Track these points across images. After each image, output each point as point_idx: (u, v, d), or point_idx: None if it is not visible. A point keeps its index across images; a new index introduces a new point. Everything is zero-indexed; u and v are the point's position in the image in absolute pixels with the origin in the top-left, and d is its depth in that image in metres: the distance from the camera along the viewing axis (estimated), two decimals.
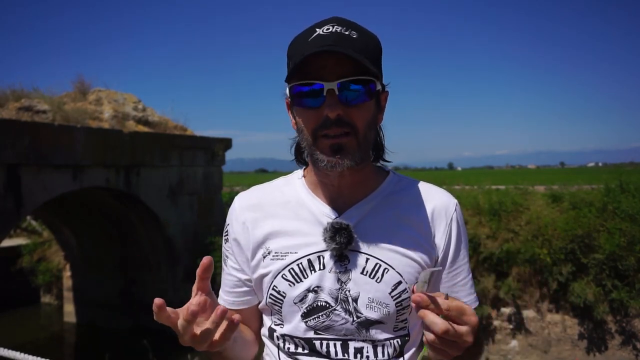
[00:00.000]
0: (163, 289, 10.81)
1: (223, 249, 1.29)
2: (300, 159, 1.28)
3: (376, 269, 1.12)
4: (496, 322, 8.39)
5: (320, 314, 1.13)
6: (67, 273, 12.17)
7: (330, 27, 1.06)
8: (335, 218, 1.15)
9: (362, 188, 1.18)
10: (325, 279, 1.12)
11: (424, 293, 0.88)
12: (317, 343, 1.13)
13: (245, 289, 1.25)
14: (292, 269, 1.14)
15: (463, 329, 0.87)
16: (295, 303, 1.14)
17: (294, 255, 1.14)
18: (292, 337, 1.16)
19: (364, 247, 1.13)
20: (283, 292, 1.15)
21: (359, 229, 1.14)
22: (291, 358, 1.16)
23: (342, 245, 1.10)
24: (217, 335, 0.89)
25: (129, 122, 10.40)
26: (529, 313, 8.26)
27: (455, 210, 1.20)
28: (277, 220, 1.19)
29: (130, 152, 9.37)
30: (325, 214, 1.16)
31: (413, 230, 1.16)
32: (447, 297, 0.88)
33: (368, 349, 1.13)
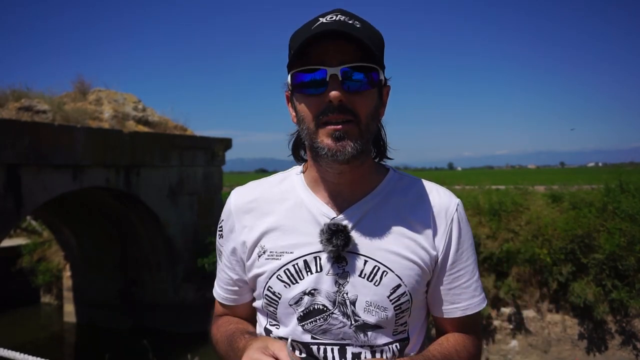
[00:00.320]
0: (163, 289, 10.81)
1: (217, 243, 1.27)
2: (297, 156, 1.25)
3: (374, 271, 1.09)
4: (496, 322, 8.39)
5: (317, 318, 1.10)
6: (67, 273, 12.17)
7: (334, 16, 1.05)
8: (334, 218, 1.12)
9: (361, 186, 1.15)
10: (323, 281, 1.10)
11: None
12: (315, 348, 1.11)
13: (235, 288, 1.25)
14: (287, 269, 1.11)
15: None
16: (290, 305, 1.11)
17: (290, 255, 1.12)
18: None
19: (362, 249, 1.10)
20: (278, 294, 1.12)
21: (357, 230, 1.11)
22: None
23: (339, 248, 1.08)
24: None
25: (129, 122, 10.40)
26: (529, 313, 8.26)
27: (457, 210, 1.17)
28: (273, 218, 1.16)
29: (130, 152, 9.37)
30: (323, 213, 1.13)
31: (413, 231, 1.13)
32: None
33: (366, 354, 1.10)
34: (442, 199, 1.17)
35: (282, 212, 1.16)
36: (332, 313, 1.09)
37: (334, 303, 1.10)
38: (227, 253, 1.23)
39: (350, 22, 1.04)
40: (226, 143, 11.87)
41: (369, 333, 1.10)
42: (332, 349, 1.10)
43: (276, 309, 1.13)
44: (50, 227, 12.18)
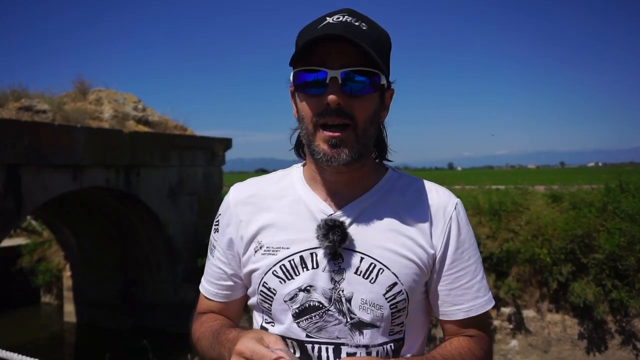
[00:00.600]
0: (163, 289, 10.81)
1: (211, 237, 1.27)
2: (299, 152, 1.25)
3: (370, 268, 1.09)
4: (496, 322, 8.39)
5: (313, 315, 1.09)
6: (67, 273, 12.17)
7: (341, 17, 1.04)
8: (331, 214, 1.12)
9: (360, 185, 1.15)
10: (319, 278, 1.09)
11: None
12: (309, 347, 1.10)
13: (229, 283, 1.23)
14: (283, 265, 1.11)
15: None
16: (285, 301, 1.11)
17: (286, 251, 1.11)
18: (283, 339, 1.11)
19: (359, 246, 1.10)
20: (273, 289, 1.12)
21: (354, 227, 1.11)
22: None
23: (336, 244, 1.07)
24: None
25: (129, 122, 10.40)
26: (529, 313, 8.26)
27: (455, 209, 1.16)
28: (271, 214, 1.16)
29: (130, 152, 9.37)
30: (321, 210, 1.13)
31: (411, 229, 1.12)
32: None
33: (361, 354, 1.09)
34: (440, 198, 1.17)
35: (280, 208, 1.16)
36: (328, 310, 1.09)
37: (329, 300, 1.09)
38: (223, 247, 1.22)
39: (356, 23, 1.04)
40: (226, 143, 11.87)
41: (364, 331, 1.09)
42: (327, 349, 1.09)
43: (271, 305, 1.13)
44: (50, 227, 12.18)
